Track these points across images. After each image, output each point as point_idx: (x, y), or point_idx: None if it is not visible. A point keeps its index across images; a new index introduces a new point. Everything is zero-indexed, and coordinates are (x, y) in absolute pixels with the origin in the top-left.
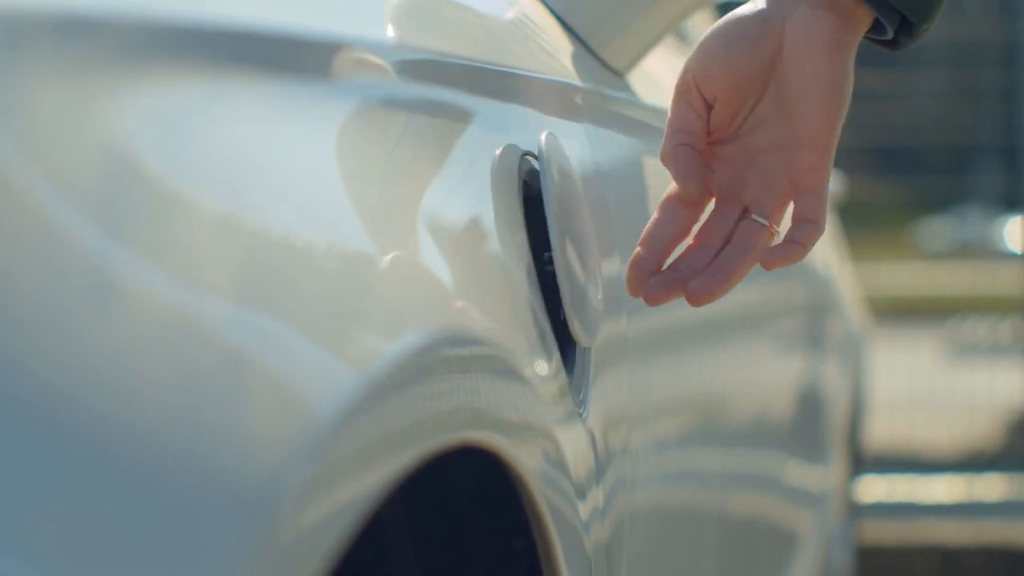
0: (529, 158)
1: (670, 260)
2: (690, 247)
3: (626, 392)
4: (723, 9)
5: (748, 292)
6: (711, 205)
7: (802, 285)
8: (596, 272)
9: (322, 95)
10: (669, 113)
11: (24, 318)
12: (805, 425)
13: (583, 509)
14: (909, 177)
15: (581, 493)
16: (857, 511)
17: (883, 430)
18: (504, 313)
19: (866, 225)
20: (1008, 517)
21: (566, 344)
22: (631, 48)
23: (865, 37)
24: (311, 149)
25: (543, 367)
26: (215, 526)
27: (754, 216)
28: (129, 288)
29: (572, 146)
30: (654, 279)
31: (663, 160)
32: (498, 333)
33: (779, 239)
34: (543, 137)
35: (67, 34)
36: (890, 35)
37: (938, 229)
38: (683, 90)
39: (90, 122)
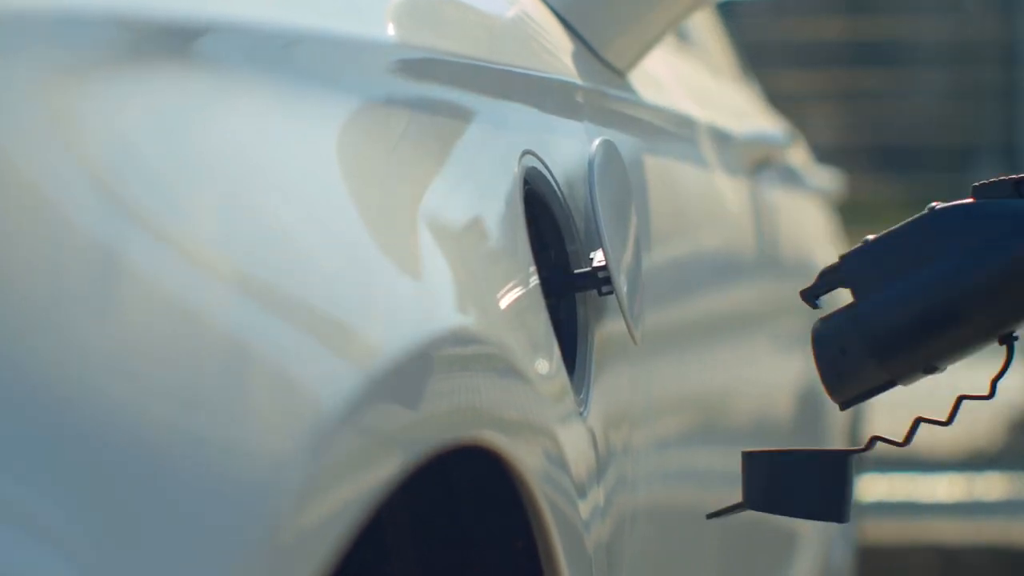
0: (530, 156)
1: None
2: None
3: (627, 391)
4: (723, 8)
5: (748, 291)
6: None
7: (803, 285)
8: (639, 274)
9: (323, 94)
10: None
11: (25, 318)
12: (806, 424)
13: (584, 508)
14: (909, 176)
15: (582, 492)
16: (858, 510)
17: (884, 428)
18: (505, 312)
19: (866, 224)
20: (1009, 516)
21: (567, 343)
22: (632, 47)
23: None
24: (312, 148)
25: (544, 366)
26: (216, 525)
27: None
28: (129, 287)
29: (572, 145)
30: None
31: None
32: (499, 332)
33: None
34: (596, 143)
35: (69, 32)
36: None
37: None
38: None
39: (91, 120)
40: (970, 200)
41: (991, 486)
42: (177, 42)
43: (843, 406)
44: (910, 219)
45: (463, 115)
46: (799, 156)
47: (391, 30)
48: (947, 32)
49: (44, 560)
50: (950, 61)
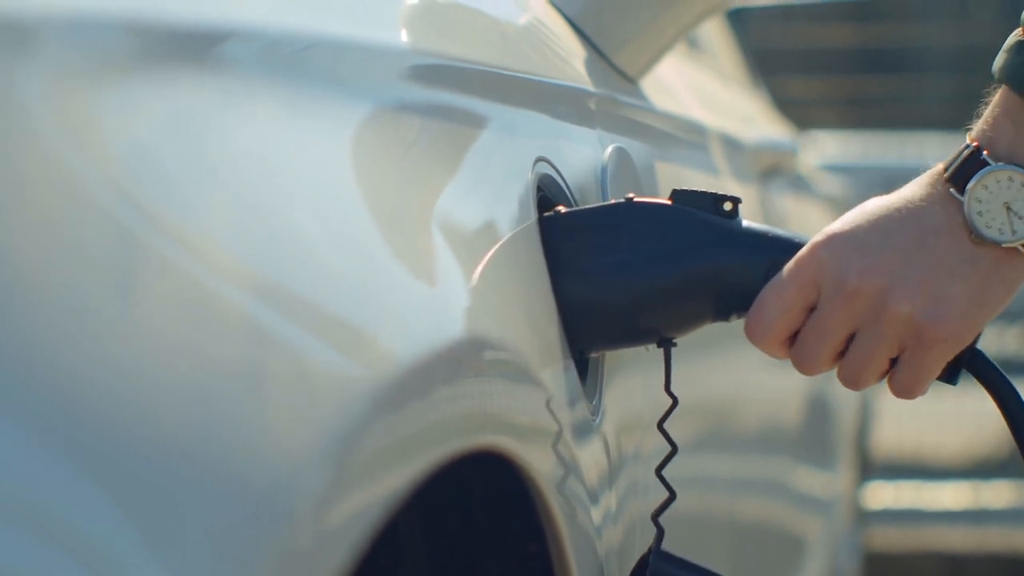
0: (543, 163)
1: None
2: None
3: (639, 397)
4: (732, 15)
5: None
6: None
7: None
8: None
9: (337, 99)
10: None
11: (42, 319)
12: (814, 431)
13: (596, 513)
14: None
15: (594, 498)
16: (864, 517)
17: (890, 436)
18: (519, 318)
19: None
20: (1015, 524)
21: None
22: (644, 54)
23: None
24: (326, 153)
25: (557, 372)
26: (234, 529)
27: None
28: (146, 291)
29: (585, 151)
30: None
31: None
32: (513, 338)
33: None
34: (608, 150)
35: (84, 36)
36: None
37: None
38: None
39: (104, 124)
40: (668, 202)
41: (997, 494)
42: (191, 46)
43: None
44: (606, 203)
45: (476, 121)
46: (808, 163)
47: (405, 36)
48: (955, 39)
49: (57, 561)
50: (957, 66)
